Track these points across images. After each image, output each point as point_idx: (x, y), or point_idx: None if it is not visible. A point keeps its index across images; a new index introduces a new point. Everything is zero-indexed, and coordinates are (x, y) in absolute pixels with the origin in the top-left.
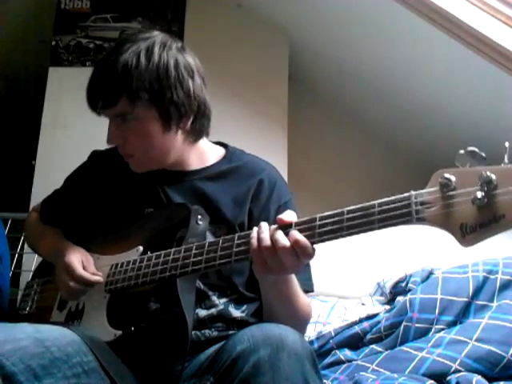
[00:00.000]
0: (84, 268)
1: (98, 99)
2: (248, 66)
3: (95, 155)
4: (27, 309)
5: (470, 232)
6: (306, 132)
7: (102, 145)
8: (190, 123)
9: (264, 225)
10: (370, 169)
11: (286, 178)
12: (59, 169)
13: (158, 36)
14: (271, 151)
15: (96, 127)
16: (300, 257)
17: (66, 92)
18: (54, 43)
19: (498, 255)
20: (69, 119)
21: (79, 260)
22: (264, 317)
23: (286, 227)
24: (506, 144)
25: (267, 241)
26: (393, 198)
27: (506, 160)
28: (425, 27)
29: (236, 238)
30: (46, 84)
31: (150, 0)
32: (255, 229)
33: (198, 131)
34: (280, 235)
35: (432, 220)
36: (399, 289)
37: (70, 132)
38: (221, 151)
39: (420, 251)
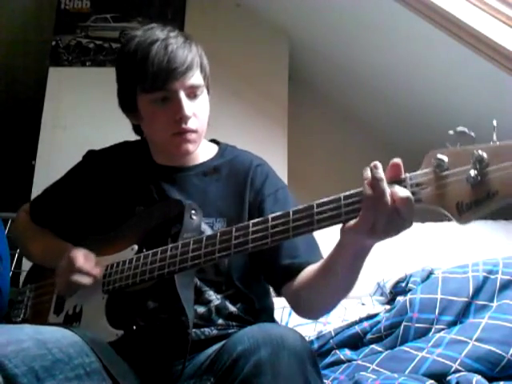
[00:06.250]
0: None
1: (178, 67)
2: (248, 65)
3: (90, 155)
4: (21, 316)
5: (466, 210)
6: (306, 132)
7: (102, 145)
8: None
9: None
10: None
11: (286, 177)
12: (59, 169)
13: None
14: (271, 151)
15: (96, 127)
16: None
17: (66, 92)
18: (54, 43)
19: (497, 255)
20: (69, 119)
21: (82, 255)
22: (313, 292)
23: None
24: (494, 122)
25: (387, 193)
26: (388, 181)
27: (494, 138)
28: (425, 27)
29: (234, 230)
30: (46, 84)
31: (150, 0)
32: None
33: None
34: (397, 186)
35: (428, 200)
36: (399, 289)
37: (70, 132)
38: (214, 148)
39: (420, 251)
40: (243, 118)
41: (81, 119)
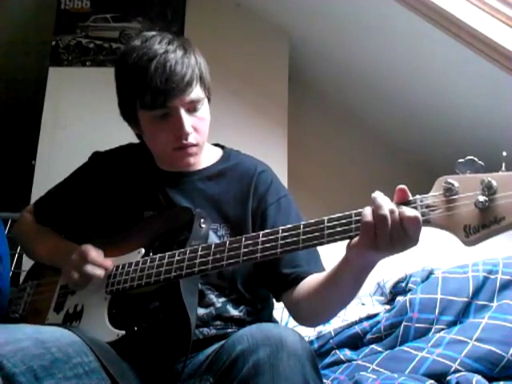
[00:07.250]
0: None
1: (177, 85)
2: (248, 65)
3: (96, 156)
4: (19, 311)
5: (473, 233)
6: (306, 132)
7: (102, 144)
8: None
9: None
10: (370, 168)
11: (286, 177)
12: (59, 169)
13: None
14: (271, 151)
15: (96, 127)
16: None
17: (66, 92)
18: (54, 43)
19: (497, 255)
20: (69, 119)
21: (93, 249)
22: (319, 303)
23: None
24: (504, 153)
25: (384, 207)
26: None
27: (503, 168)
28: (425, 27)
29: (243, 239)
30: (46, 84)
31: (150, 0)
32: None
33: None
34: (405, 207)
35: (437, 222)
36: (399, 289)
37: (70, 132)
38: (218, 152)
39: (420, 251)
40: (243, 118)
41: (81, 119)
